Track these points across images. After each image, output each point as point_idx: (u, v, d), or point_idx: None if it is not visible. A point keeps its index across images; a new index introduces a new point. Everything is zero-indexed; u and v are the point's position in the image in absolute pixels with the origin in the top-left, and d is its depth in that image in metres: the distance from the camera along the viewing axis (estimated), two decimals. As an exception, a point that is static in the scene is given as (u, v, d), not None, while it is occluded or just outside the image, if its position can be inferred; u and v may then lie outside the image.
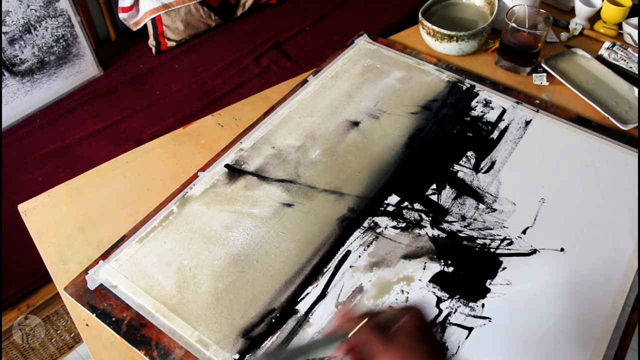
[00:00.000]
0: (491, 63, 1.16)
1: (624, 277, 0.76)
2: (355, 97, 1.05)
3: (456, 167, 0.92)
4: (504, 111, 1.02)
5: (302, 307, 0.73)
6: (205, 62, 1.61)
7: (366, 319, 0.51)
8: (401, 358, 0.49)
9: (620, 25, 1.22)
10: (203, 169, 0.92)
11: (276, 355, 0.62)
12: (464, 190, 0.88)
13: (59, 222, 0.87)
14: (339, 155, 0.94)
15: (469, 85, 1.07)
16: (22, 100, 1.46)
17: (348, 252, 0.80)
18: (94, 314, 0.73)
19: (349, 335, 0.51)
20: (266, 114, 1.02)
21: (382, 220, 0.84)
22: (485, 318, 0.72)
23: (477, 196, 0.87)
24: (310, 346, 0.53)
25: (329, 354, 0.52)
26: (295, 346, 0.67)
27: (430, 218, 0.84)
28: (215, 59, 1.62)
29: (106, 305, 0.74)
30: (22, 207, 0.90)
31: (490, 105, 1.03)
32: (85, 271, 0.78)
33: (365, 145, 0.96)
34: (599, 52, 1.15)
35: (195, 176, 0.90)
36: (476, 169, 0.92)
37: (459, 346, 0.69)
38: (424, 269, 0.78)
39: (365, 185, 0.89)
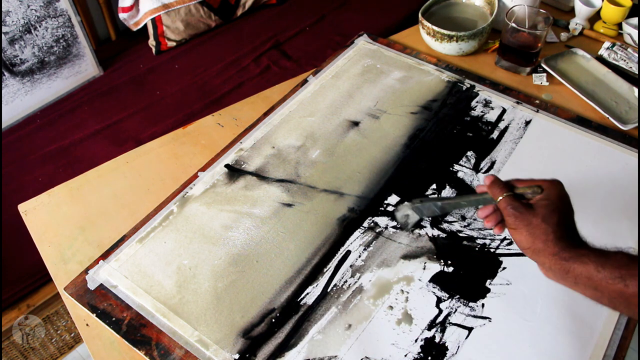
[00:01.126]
0: (491, 63, 1.16)
1: (624, 277, 0.76)
2: (355, 97, 1.05)
3: (456, 167, 0.92)
4: (503, 111, 1.02)
5: (302, 306, 0.73)
6: (205, 62, 1.61)
7: (508, 193, 0.60)
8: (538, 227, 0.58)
9: (620, 25, 1.22)
10: (203, 169, 0.92)
11: (430, 204, 0.69)
12: (464, 190, 0.88)
13: (59, 222, 0.87)
14: (339, 155, 0.94)
15: (468, 85, 1.07)
16: (22, 100, 1.46)
17: (348, 252, 0.80)
18: (94, 314, 0.73)
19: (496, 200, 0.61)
20: (266, 114, 1.02)
21: (382, 220, 0.84)
22: (485, 318, 0.72)
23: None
24: (461, 200, 0.66)
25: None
26: (447, 198, 0.76)
27: (430, 218, 0.84)
28: (215, 59, 1.62)
29: (106, 305, 0.74)
30: (22, 207, 0.90)
31: (490, 105, 1.03)
32: (86, 271, 0.78)
33: (365, 145, 0.96)
34: (599, 52, 1.15)
35: (195, 176, 0.90)
36: (476, 168, 0.92)
37: (459, 346, 0.69)
38: (424, 269, 0.78)
39: (365, 185, 0.89)
